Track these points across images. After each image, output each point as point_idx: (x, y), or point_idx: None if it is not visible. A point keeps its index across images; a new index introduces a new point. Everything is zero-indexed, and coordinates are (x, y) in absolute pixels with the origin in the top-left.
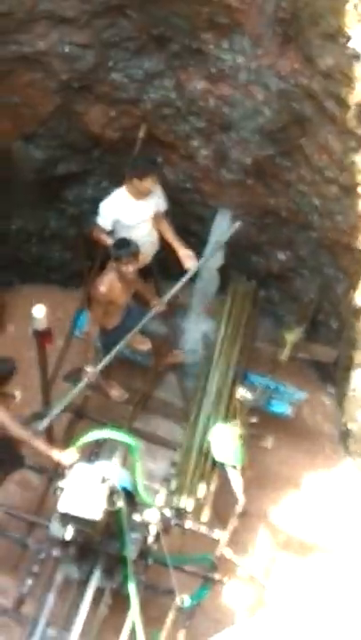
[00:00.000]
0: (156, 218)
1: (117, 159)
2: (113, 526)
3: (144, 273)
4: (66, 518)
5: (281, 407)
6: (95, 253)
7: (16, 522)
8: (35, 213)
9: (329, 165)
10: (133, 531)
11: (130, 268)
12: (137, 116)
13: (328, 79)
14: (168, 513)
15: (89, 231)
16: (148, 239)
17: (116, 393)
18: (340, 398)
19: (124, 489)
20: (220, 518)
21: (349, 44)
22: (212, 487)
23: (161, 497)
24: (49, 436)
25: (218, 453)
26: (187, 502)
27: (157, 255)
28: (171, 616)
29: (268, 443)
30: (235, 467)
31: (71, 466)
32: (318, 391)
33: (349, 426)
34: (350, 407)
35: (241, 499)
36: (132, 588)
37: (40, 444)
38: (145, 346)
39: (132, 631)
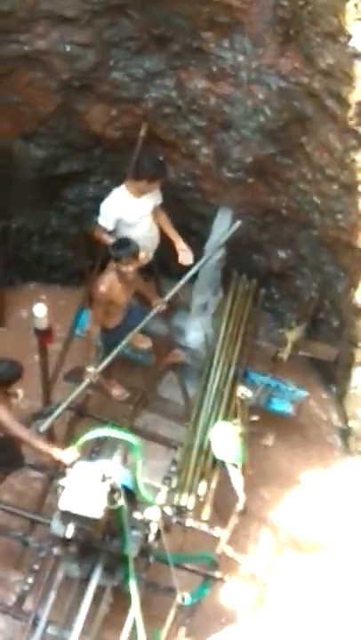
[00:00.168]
0: (155, 211)
1: (118, 158)
2: (114, 524)
3: (145, 272)
4: (67, 516)
5: (282, 405)
6: (96, 252)
7: (17, 520)
8: (36, 212)
9: (330, 164)
10: (134, 529)
11: (130, 268)
12: (138, 115)
13: (329, 78)
14: (169, 511)
15: (90, 231)
16: (149, 234)
17: (116, 392)
18: (341, 396)
19: (125, 487)
20: (220, 516)
21: (350, 43)
22: (213, 485)
23: (162, 495)
24: (50, 435)
25: (218, 451)
26: (187, 500)
27: (158, 254)
28: (172, 614)
29: (269, 441)
30: (235, 465)
31: (72, 464)
32: (319, 389)
33: (350, 424)
34: (351, 405)
35: (242, 497)
36: (132, 586)
37: (41, 444)
38: (146, 344)
39: (133, 629)
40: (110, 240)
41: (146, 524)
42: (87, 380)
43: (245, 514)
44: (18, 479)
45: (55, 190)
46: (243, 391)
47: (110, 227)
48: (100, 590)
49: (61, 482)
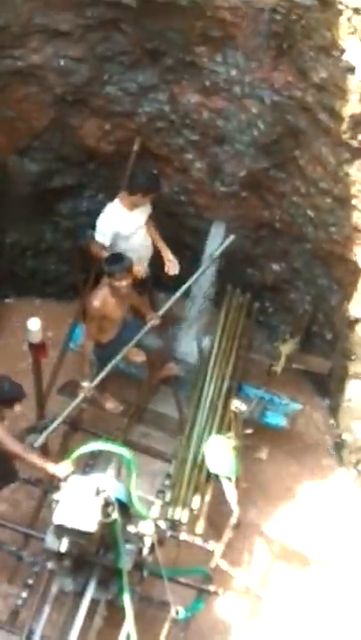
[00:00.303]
0: (147, 222)
1: (112, 172)
2: (108, 538)
3: (139, 286)
4: (61, 530)
5: (276, 418)
6: (90, 266)
7: (11, 534)
8: (30, 227)
9: (323, 177)
10: (128, 542)
11: (123, 283)
12: (131, 129)
13: (322, 92)
14: (163, 524)
15: (86, 246)
16: (144, 244)
17: (110, 405)
18: (335, 409)
19: (119, 501)
20: (214, 530)
21: (343, 57)
22: (207, 499)
23: (156, 508)
24: (44, 449)
25: (212, 465)
26: (181, 514)
27: (151, 267)
28: (166, 628)
29: (263, 454)
30: (229, 478)
31: (66, 478)
32: (313, 402)
33: (344, 437)
34: (345, 418)
35: (236, 510)
36: (126, 600)
37: (34, 458)
38: (139, 357)
39: None
40: (106, 255)
41: (140, 538)
42: (82, 395)
43: (239, 527)
44: (12, 493)
45: (49, 205)
46: (237, 404)
47: (108, 242)
48: (94, 604)
49: (55, 496)
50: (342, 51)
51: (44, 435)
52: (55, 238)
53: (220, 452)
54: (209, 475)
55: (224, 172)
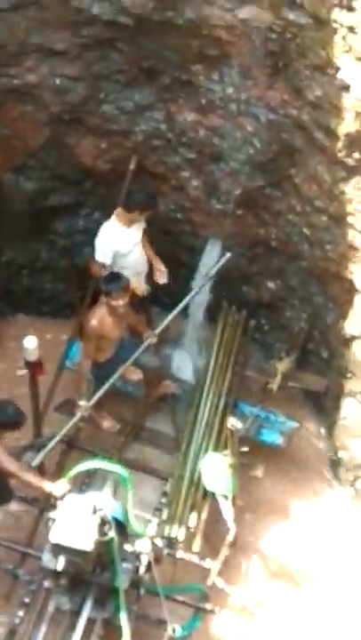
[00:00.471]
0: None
1: (108, 191)
2: (104, 556)
3: (136, 304)
4: (57, 549)
5: (272, 436)
6: (86, 284)
7: (8, 553)
8: (26, 245)
9: (319, 195)
10: (125, 561)
11: (120, 302)
12: (128, 147)
13: (317, 110)
14: (159, 543)
15: (85, 265)
16: (141, 260)
17: (107, 424)
18: (331, 427)
19: (116, 519)
20: (211, 548)
21: (338, 75)
22: (204, 516)
23: (152, 527)
24: (40, 467)
25: (209, 483)
26: (178, 532)
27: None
28: None
29: (259, 472)
30: (226, 496)
31: (63, 497)
32: (309, 420)
33: (340, 454)
34: (341, 436)
35: (232, 528)
36: (123, 618)
37: (31, 477)
38: (136, 375)
39: None
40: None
41: (136, 556)
42: (79, 414)
43: (236, 545)
44: (8, 512)
45: (45, 223)
46: (233, 422)
47: (108, 261)
48: (90, 623)
49: (52, 514)
50: (337, 69)
51: (41, 454)
52: (51, 257)
53: (216, 470)
54: (205, 492)
55: (220, 190)
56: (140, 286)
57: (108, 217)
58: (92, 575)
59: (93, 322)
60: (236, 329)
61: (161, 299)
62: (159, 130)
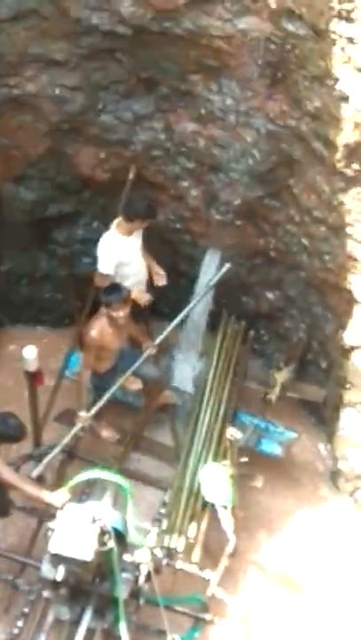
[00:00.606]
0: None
1: (108, 200)
2: (104, 566)
3: (136, 314)
4: (57, 559)
5: (271, 447)
6: (86, 294)
7: (7, 563)
8: (25, 255)
9: (318, 206)
10: (124, 571)
11: (121, 314)
12: (127, 157)
13: (316, 121)
14: (159, 553)
15: (88, 277)
16: (142, 269)
17: (107, 433)
18: (330, 437)
19: (115, 529)
20: (211, 558)
21: (337, 86)
22: (203, 527)
23: (152, 537)
24: (39, 477)
25: (208, 493)
26: (178, 542)
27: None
28: None
29: (259, 482)
30: (225, 507)
31: (62, 506)
32: (308, 430)
33: (339, 465)
34: (340, 446)
35: (232, 538)
36: (123, 629)
37: (30, 488)
38: (136, 385)
39: None
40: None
41: (136, 567)
42: (79, 425)
43: (235, 555)
44: (7, 522)
45: (45, 232)
46: (232, 432)
47: (112, 271)
48: (90, 633)
49: (51, 524)
50: (336, 80)
51: (41, 465)
52: (51, 266)
53: (216, 481)
54: (205, 503)
55: (219, 201)
56: (142, 296)
57: (107, 226)
58: (91, 585)
59: (93, 333)
60: (236, 339)
61: (160, 309)
62: (158, 140)
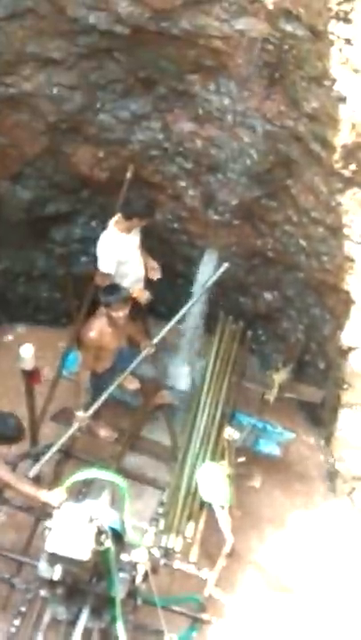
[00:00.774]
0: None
1: (105, 199)
2: (101, 566)
3: (133, 313)
4: (54, 558)
5: (269, 447)
6: (83, 293)
7: (4, 562)
8: (22, 253)
9: (315, 206)
10: (121, 570)
11: (120, 314)
12: (125, 156)
13: (314, 121)
14: (156, 552)
15: (88, 276)
16: (140, 267)
17: (104, 433)
18: (328, 438)
19: (112, 529)
20: (208, 558)
21: (334, 87)
22: (201, 526)
23: (149, 536)
24: (36, 476)
25: (206, 493)
26: (175, 542)
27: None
28: None
29: (256, 482)
30: (223, 506)
31: (59, 506)
32: (306, 431)
33: (337, 466)
34: (338, 447)
35: (229, 538)
36: (120, 628)
37: (27, 487)
38: (134, 385)
39: None
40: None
41: (133, 566)
42: (76, 425)
43: (233, 555)
44: (5, 520)
45: (42, 231)
46: (230, 432)
47: (113, 270)
48: (87, 632)
49: (48, 523)
50: (333, 80)
51: (38, 465)
52: (48, 265)
53: (213, 480)
54: (202, 502)
55: (217, 201)
56: (142, 294)
57: (105, 225)
58: (88, 585)
59: (93, 333)
60: (234, 339)
61: (158, 309)
62: (156, 139)
